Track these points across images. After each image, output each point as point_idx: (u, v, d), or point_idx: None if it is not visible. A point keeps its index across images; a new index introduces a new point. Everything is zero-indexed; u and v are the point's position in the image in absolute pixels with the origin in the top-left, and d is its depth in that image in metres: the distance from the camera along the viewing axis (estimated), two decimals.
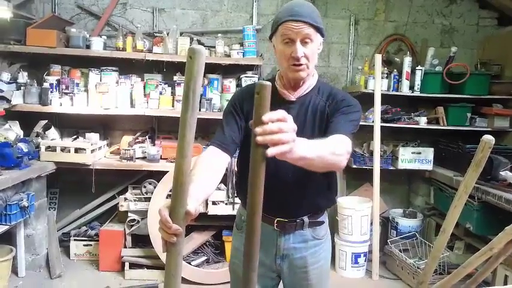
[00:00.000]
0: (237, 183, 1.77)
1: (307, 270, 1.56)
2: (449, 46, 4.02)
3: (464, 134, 3.81)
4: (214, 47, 3.72)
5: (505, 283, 2.80)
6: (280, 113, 0.94)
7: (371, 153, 3.77)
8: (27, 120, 3.57)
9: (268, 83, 0.86)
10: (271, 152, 0.92)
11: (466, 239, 3.46)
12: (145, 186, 3.57)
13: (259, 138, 0.90)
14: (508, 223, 1.26)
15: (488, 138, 1.22)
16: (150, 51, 3.68)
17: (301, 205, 1.53)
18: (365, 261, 3.63)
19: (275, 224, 1.53)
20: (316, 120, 1.49)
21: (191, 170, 1.28)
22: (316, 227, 1.57)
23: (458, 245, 3.56)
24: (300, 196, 1.52)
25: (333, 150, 1.23)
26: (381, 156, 3.72)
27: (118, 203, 3.56)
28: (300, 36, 1.38)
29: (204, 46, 3.76)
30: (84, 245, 3.64)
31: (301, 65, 1.41)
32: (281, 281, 1.64)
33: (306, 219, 1.54)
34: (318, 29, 1.42)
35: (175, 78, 3.71)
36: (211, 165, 1.37)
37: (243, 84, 3.53)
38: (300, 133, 1.44)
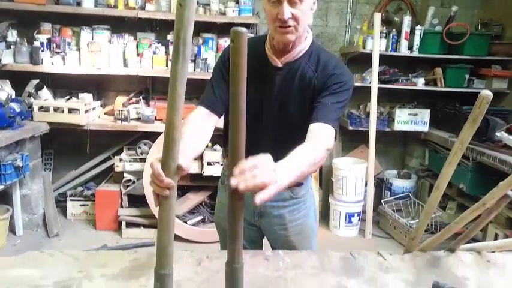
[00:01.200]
0: (223, 135, 1.72)
1: (286, 227, 1.55)
2: (450, 5, 3.92)
3: (462, 96, 3.78)
4: (208, 4, 3.61)
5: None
6: (254, 160, 0.91)
7: (367, 114, 3.75)
8: (18, 80, 3.50)
9: (244, 30, 0.80)
10: (259, 200, 0.89)
11: (459, 199, 3.50)
12: (140, 147, 3.56)
13: (241, 187, 0.87)
14: None
15: (486, 93, 1.19)
16: (142, 8, 3.56)
17: None
18: (358, 220, 3.69)
19: None
20: (302, 91, 1.41)
21: (182, 131, 1.27)
22: (294, 187, 1.52)
23: (451, 205, 3.61)
24: (278, 156, 1.46)
25: (312, 160, 1.20)
26: (377, 117, 3.70)
27: (113, 164, 3.55)
28: None
29: (198, 3, 3.65)
30: (81, 205, 3.67)
31: (288, 27, 1.31)
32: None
33: None
34: None
35: (169, 37, 3.62)
36: (199, 126, 1.35)
37: None
38: (284, 104, 1.42)
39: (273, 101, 1.43)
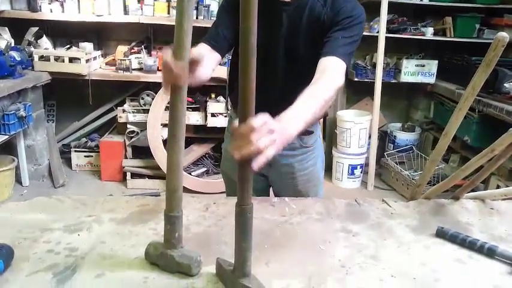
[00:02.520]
0: (229, 86, 1.67)
1: (294, 176, 1.55)
2: None
3: (471, 47, 3.68)
4: None
5: None
6: (249, 124, 0.83)
7: (373, 65, 3.68)
8: (16, 27, 3.41)
9: None
10: (256, 166, 0.83)
11: (462, 151, 3.50)
12: (143, 98, 3.52)
13: (236, 156, 0.82)
14: None
15: (503, 35, 1.15)
16: None
17: None
18: (361, 172, 3.71)
19: None
20: (311, 27, 1.33)
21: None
22: (304, 135, 1.50)
23: (454, 158, 3.62)
24: (289, 101, 1.42)
25: (323, 102, 1.14)
26: (383, 68, 3.62)
27: (116, 115, 3.54)
28: None
29: None
30: (85, 156, 3.69)
31: None
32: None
33: None
34: None
35: None
36: (204, 53, 1.27)
37: None
38: (292, 43, 1.35)
39: (280, 40, 1.37)
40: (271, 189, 1.67)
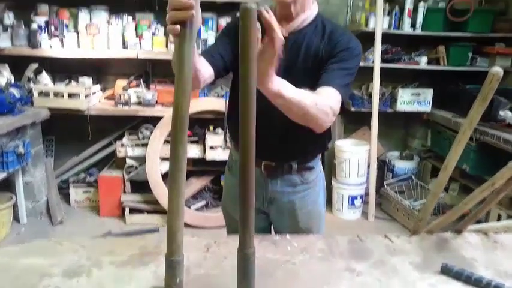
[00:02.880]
0: (228, 120, 1.67)
1: (295, 213, 1.53)
2: None
3: (465, 75, 3.74)
4: None
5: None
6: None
7: (369, 95, 3.72)
8: (17, 64, 3.45)
9: (254, 6, 0.77)
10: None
11: (462, 180, 3.50)
12: (142, 132, 3.53)
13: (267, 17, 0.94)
14: (504, 163, 1.23)
15: (497, 70, 1.17)
16: None
17: (289, 150, 1.46)
18: (361, 203, 3.69)
19: (262, 167, 1.48)
20: (308, 61, 1.36)
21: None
22: (305, 171, 1.50)
23: (454, 187, 3.61)
24: (288, 140, 1.44)
25: (316, 102, 1.16)
26: (379, 98, 3.66)
27: (115, 149, 3.54)
28: None
29: None
30: (84, 192, 3.66)
31: None
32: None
33: (294, 164, 1.47)
34: None
35: None
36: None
37: None
38: (289, 74, 1.35)
39: (279, 72, 1.39)
40: (272, 226, 1.65)
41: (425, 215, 1.54)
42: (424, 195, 3.52)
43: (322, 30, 1.38)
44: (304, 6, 1.37)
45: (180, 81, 0.93)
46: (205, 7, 3.52)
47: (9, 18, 3.41)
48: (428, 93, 3.78)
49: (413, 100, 3.78)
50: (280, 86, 1.10)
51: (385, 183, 3.83)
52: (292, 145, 1.45)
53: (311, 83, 1.32)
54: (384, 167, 4.07)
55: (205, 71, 1.32)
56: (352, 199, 3.65)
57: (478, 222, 1.77)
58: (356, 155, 3.59)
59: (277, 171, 1.48)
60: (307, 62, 1.36)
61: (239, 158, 0.90)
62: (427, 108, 3.80)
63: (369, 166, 3.67)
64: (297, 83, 1.37)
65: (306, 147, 1.48)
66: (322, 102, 1.19)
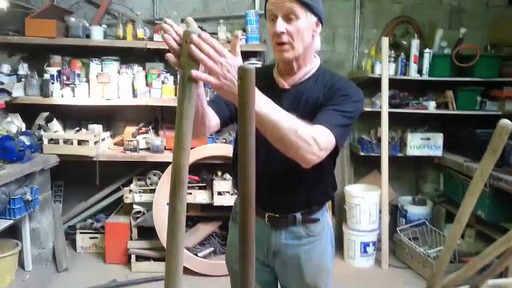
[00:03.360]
0: (232, 169, 1.66)
1: (301, 267, 1.47)
2: (458, 28, 3.89)
3: (475, 119, 3.71)
4: (216, 33, 3.63)
5: None
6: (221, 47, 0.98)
7: (379, 140, 3.69)
8: (29, 112, 3.52)
9: (252, 67, 0.78)
10: (195, 73, 0.93)
11: (477, 226, 3.39)
12: (149, 178, 3.52)
13: (193, 48, 0.94)
14: None
15: (506, 123, 1.13)
16: (151, 39, 3.60)
17: (293, 200, 1.43)
18: (374, 250, 3.57)
19: (266, 219, 1.45)
20: (307, 111, 1.34)
21: None
22: (310, 224, 1.46)
23: (470, 233, 3.49)
24: (292, 191, 1.42)
25: (297, 129, 1.12)
26: (389, 142, 3.63)
27: (123, 195, 3.52)
28: (282, 11, 1.28)
29: (206, 32, 3.67)
30: (90, 238, 3.62)
31: (283, 43, 1.30)
32: None
33: (298, 215, 1.44)
34: (306, 5, 1.28)
35: None
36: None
37: None
38: None
39: None
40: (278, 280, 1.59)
41: (439, 270, 1.47)
42: (439, 242, 3.40)
43: (324, 82, 1.39)
44: (306, 60, 1.40)
45: (179, 139, 0.92)
46: None
47: (23, 69, 3.51)
48: (438, 138, 3.74)
49: (423, 144, 3.74)
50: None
51: (398, 229, 3.72)
52: (295, 196, 1.42)
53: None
54: (396, 212, 3.97)
55: (212, 119, 1.34)
56: (365, 246, 3.54)
57: (500, 275, 1.69)
58: (367, 200, 3.52)
59: (281, 223, 1.45)
60: (306, 109, 1.35)
61: (239, 214, 0.87)
62: (437, 152, 3.75)
63: (380, 211, 3.59)
64: None
65: (310, 198, 1.45)
66: (305, 132, 1.14)
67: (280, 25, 1.28)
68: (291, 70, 1.39)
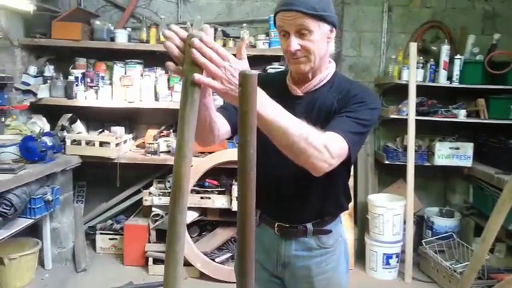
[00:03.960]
0: None
1: (311, 281, 1.40)
2: (491, 33, 3.73)
3: (507, 128, 3.53)
4: (239, 37, 3.60)
5: None
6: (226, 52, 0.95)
7: (405, 148, 3.57)
8: (54, 113, 3.58)
9: (254, 73, 0.73)
10: (198, 77, 0.89)
11: (508, 241, 3.22)
12: (169, 181, 3.51)
13: (194, 52, 0.90)
14: None
15: None
16: None
17: (304, 210, 1.37)
18: (397, 262, 3.44)
19: (276, 229, 1.40)
20: (320, 118, 1.30)
21: None
22: (322, 235, 1.40)
23: (500, 248, 3.31)
24: (302, 200, 1.36)
25: (307, 136, 1.07)
26: (415, 151, 3.50)
27: (143, 197, 3.52)
28: (294, 28, 1.23)
29: (229, 36, 3.66)
30: (110, 239, 3.63)
31: (298, 58, 1.27)
32: None
33: (309, 226, 1.38)
34: (317, 17, 1.23)
35: None
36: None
37: None
38: None
39: None
40: None
41: None
42: (467, 256, 3.24)
43: (339, 89, 1.34)
44: (322, 67, 1.35)
45: (180, 146, 0.88)
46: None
47: (49, 70, 3.58)
48: (468, 148, 3.58)
49: (452, 154, 3.59)
50: (260, 106, 0.97)
51: (423, 241, 3.57)
52: (305, 205, 1.37)
53: None
54: (422, 223, 3.82)
55: (221, 127, 1.29)
56: (387, 258, 3.41)
57: None
58: (391, 211, 3.39)
59: (291, 233, 1.39)
60: (320, 116, 1.31)
61: (237, 227, 0.82)
62: (467, 163, 3.59)
63: (405, 222, 3.45)
64: None
65: (322, 208, 1.39)
66: (316, 139, 1.09)
67: (294, 43, 1.24)
68: (305, 78, 1.35)
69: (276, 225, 1.40)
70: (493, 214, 1.17)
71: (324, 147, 1.10)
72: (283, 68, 3.56)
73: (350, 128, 1.20)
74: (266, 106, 1.02)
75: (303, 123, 1.10)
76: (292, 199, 1.36)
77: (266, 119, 1.02)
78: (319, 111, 1.32)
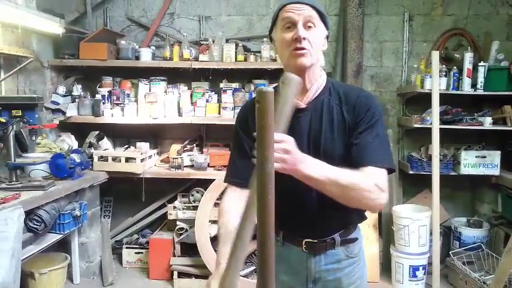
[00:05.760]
0: None
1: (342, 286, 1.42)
2: None
3: None
4: (260, 51, 3.65)
5: None
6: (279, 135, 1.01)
7: (429, 157, 3.51)
8: (82, 131, 3.70)
9: (270, 89, 0.76)
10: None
11: None
12: (193, 195, 3.56)
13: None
14: None
15: None
16: (196, 59, 3.68)
17: (330, 223, 1.39)
18: (424, 274, 3.37)
19: (303, 246, 1.40)
20: (335, 128, 1.32)
21: (222, 222, 1.31)
22: (349, 244, 1.42)
23: None
24: (328, 214, 1.37)
25: (358, 182, 1.17)
26: (440, 160, 3.43)
27: (167, 211, 3.58)
28: (303, 18, 1.27)
29: (250, 51, 3.71)
30: (136, 253, 3.70)
31: (303, 48, 1.26)
32: None
33: (337, 237, 1.40)
34: (322, 15, 1.31)
35: (221, 85, 3.69)
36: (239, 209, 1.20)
37: None
38: (317, 143, 1.32)
39: (305, 145, 1.32)
40: None
41: None
42: (497, 267, 3.14)
43: (337, 94, 1.36)
44: (316, 74, 1.36)
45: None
46: (257, 74, 3.67)
47: (77, 90, 3.71)
48: (495, 156, 3.50)
49: (478, 163, 3.51)
50: (307, 170, 1.12)
51: (451, 252, 3.49)
52: (331, 218, 1.38)
53: (340, 145, 1.31)
54: (449, 234, 3.74)
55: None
56: (414, 270, 3.34)
57: None
58: (417, 222, 3.33)
59: (320, 248, 1.40)
60: (333, 128, 1.33)
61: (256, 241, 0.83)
62: (495, 171, 3.51)
63: (431, 233, 3.38)
64: (328, 147, 1.33)
65: (346, 217, 1.41)
66: (365, 182, 1.19)
67: (302, 31, 1.26)
68: (303, 88, 1.33)
69: (303, 243, 1.40)
70: None
71: (374, 186, 1.20)
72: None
73: (381, 151, 1.28)
74: (312, 165, 1.13)
75: (347, 170, 1.18)
76: (318, 214, 1.36)
77: (316, 178, 1.13)
78: (330, 119, 1.33)
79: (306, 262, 1.41)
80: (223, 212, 1.33)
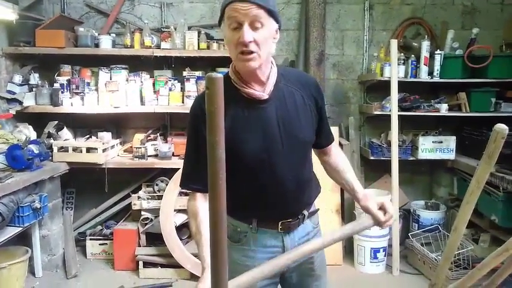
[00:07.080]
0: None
1: (312, 261, 1.52)
2: (470, 28, 3.80)
3: (489, 121, 3.58)
4: (223, 39, 3.62)
5: None
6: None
7: (389, 143, 3.62)
8: (40, 121, 3.59)
9: (219, 75, 0.77)
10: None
11: (492, 231, 3.28)
12: (157, 184, 3.53)
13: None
14: None
15: (501, 128, 1.10)
16: (158, 47, 3.62)
17: (300, 202, 1.48)
18: (385, 256, 3.50)
19: (279, 227, 1.44)
20: (300, 113, 1.38)
21: (197, 228, 1.32)
22: (313, 216, 1.55)
23: (484, 238, 3.38)
24: (300, 194, 1.46)
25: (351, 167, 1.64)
26: (399, 146, 3.56)
27: (132, 202, 3.54)
28: (249, 19, 1.20)
29: (213, 39, 3.69)
30: (100, 244, 3.64)
31: (251, 52, 1.22)
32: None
33: (305, 212, 1.50)
34: (271, 13, 1.24)
35: (184, 73, 3.65)
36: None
37: None
38: (290, 129, 1.37)
39: (277, 133, 1.35)
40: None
41: (438, 279, 1.42)
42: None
43: (291, 80, 1.41)
44: (268, 65, 1.34)
45: None
46: (219, 62, 3.65)
47: (34, 79, 3.58)
48: (450, 141, 3.65)
49: (435, 148, 3.66)
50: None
51: (410, 234, 3.63)
52: (303, 196, 1.48)
53: (310, 128, 1.43)
54: (408, 217, 3.89)
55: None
56: (375, 252, 3.46)
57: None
58: None
59: (293, 225, 1.48)
60: (298, 114, 1.39)
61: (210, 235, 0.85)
62: (450, 155, 3.66)
63: None
64: (297, 130, 1.38)
65: (310, 193, 1.53)
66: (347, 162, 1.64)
67: (249, 34, 1.21)
68: (259, 80, 1.33)
69: (279, 224, 1.43)
70: (462, 205, 1.22)
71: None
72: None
73: (330, 130, 1.58)
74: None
75: (348, 167, 1.64)
76: (293, 197, 1.43)
77: None
78: (295, 108, 1.37)
79: (282, 241, 1.46)
80: (199, 221, 1.30)
